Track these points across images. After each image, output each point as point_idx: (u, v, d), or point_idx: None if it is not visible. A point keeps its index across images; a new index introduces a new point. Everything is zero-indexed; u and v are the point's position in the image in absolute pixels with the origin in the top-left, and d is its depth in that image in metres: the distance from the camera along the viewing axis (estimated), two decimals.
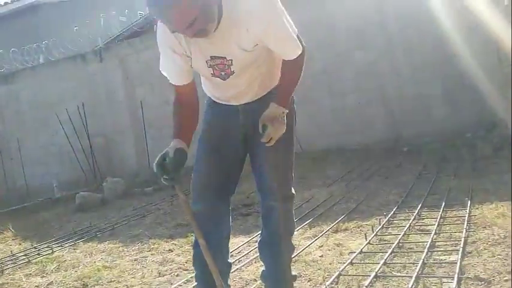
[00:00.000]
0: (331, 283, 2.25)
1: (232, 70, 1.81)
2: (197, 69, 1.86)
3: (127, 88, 8.34)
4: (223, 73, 1.82)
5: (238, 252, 3.05)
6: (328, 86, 6.98)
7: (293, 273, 2.12)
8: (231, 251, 2.95)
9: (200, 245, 1.85)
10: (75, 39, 8.65)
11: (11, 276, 3.25)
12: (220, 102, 2.03)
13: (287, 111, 1.82)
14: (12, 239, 4.70)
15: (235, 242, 3.27)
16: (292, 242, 2.10)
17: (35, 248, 4.09)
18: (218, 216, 2.04)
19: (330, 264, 2.53)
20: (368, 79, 6.79)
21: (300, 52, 1.80)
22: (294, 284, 2.32)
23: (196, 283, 2.23)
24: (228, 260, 2.21)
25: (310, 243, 2.95)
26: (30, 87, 9.19)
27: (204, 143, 2.03)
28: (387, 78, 6.70)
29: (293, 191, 2.01)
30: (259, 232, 3.40)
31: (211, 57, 1.78)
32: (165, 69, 1.89)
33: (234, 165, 2.03)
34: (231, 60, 1.78)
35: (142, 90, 8.23)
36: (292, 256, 2.20)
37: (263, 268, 2.10)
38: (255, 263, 2.78)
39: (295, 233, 3.21)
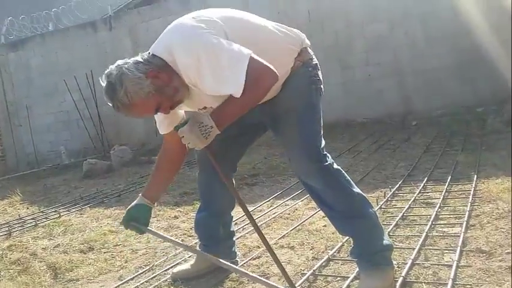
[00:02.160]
0: (334, 252, 2.26)
1: None
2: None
3: (134, 55, 8.25)
4: None
5: (243, 220, 3.06)
6: (339, 59, 6.88)
7: (384, 242, 1.86)
8: (236, 218, 2.99)
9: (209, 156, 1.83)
10: (85, 7, 8.57)
11: (19, 238, 3.31)
12: None
13: (217, 131, 1.64)
14: (20, 203, 4.78)
15: (240, 211, 3.28)
16: (360, 206, 1.86)
17: (42, 212, 4.16)
18: (218, 188, 2.08)
19: (333, 234, 2.53)
20: (380, 52, 6.69)
21: (239, 91, 1.55)
22: (294, 253, 2.35)
23: (199, 247, 2.27)
24: (231, 229, 2.25)
25: (313, 213, 2.96)
26: (39, 55, 9.17)
27: None
28: (399, 51, 6.59)
29: (326, 161, 1.84)
30: (264, 202, 3.45)
31: (198, 109, 1.79)
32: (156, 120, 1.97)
33: (233, 146, 2.04)
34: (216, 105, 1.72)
35: None
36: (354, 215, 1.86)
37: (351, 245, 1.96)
38: None
39: (299, 203, 3.26)
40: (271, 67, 1.59)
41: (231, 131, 1.78)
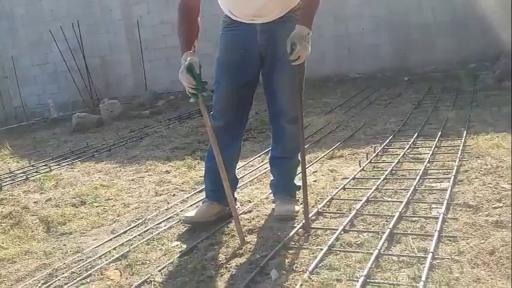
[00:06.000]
0: (323, 206, 2.30)
1: None
2: None
3: (123, 6, 8.03)
4: None
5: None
6: (332, 12, 6.73)
7: (297, 183, 2.35)
8: None
9: (216, 158, 2.01)
10: None
11: (10, 192, 3.31)
12: (239, 20, 2.10)
13: (311, 33, 1.95)
14: (10, 157, 4.74)
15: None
16: (298, 147, 2.21)
17: (32, 166, 4.14)
18: (235, 132, 2.25)
19: (323, 188, 2.57)
20: (374, 5, 6.54)
21: None
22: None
23: (206, 196, 2.33)
24: (236, 175, 2.37)
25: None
26: (22, 4, 8.85)
27: (222, 65, 2.17)
28: (393, 4, 6.45)
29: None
30: (256, 157, 3.46)
31: None
32: None
33: (252, 84, 2.19)
34: None
35: (138, 8, 7.94)
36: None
37: (272, 178, 2.41)
38: (250, 185, 2.83)
39: None
40: None
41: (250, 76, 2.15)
